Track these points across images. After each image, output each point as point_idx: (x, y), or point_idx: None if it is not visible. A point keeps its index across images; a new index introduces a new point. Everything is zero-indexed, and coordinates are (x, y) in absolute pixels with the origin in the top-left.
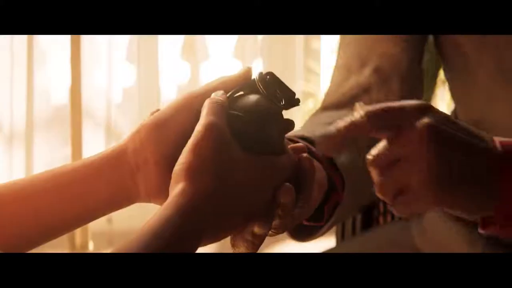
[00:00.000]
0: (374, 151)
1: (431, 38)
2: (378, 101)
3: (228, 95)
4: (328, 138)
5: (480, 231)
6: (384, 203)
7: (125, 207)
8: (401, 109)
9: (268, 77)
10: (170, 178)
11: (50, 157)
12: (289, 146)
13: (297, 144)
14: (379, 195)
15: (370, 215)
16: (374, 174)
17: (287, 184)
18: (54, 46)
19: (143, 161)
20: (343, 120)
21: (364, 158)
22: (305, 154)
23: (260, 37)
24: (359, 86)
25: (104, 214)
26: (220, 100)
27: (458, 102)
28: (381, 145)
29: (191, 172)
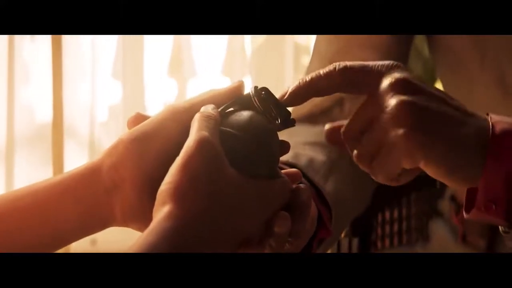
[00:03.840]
0: (346, 124)
1: (426, 50)
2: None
3: (219, 110)
4: (296, 87)
5: (465, 215)
6: (382, 227)
7: (98, 231)
8: (370, 66)
9: (263, 92)
10: (149, 199)
11: (31, 176)
12: (282, 171)
13: (292, 170)
14: (358, 164)
15: (367, 239)
16: (350, 145)
17: (284, 212)
18: (37, 61)
19: (120, 179)
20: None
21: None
22: (302, 185)
23: (249, 53)
24: (332, 97)
25: (75, 240)
26: (212, 114)
27: None
28: (351, 117)
29: (180, 192)
